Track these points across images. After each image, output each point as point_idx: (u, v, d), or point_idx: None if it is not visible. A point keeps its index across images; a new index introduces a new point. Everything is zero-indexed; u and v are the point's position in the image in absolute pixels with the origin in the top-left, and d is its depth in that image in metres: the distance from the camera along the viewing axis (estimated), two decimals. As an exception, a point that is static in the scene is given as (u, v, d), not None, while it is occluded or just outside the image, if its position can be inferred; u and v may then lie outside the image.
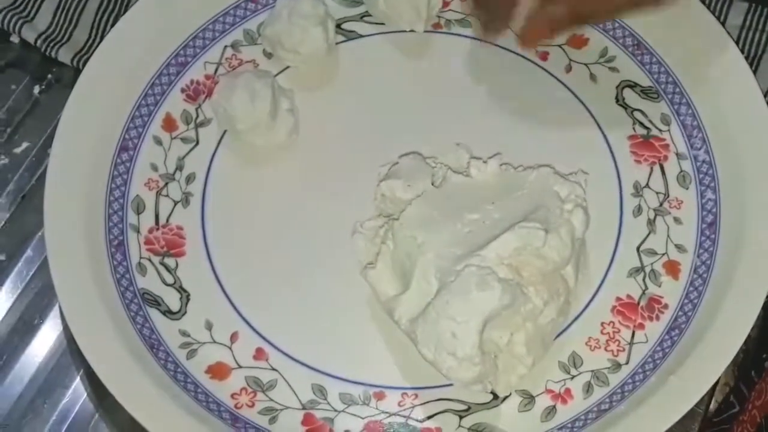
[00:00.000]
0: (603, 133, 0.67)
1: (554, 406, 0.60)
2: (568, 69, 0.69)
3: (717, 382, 0.61)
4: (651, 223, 0.65)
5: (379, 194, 0.63)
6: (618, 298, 0.63)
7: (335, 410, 0.60)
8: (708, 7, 0.69)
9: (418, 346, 0.57)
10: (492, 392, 0.60)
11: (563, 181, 0.62)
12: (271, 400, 0.60)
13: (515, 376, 0.59)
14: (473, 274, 0.56)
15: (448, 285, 0.57)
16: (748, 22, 0.71)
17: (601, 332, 0.62)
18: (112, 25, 0.69)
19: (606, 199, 0.65)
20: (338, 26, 0.70)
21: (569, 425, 0.59)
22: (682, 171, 0.66)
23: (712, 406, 0.62)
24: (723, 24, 0.69)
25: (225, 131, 0.67)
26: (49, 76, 0.71)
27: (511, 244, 0.58)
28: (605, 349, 0.61)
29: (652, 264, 0.64)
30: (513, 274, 0.57)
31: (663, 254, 0.64)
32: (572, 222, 0.60)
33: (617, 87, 0.68)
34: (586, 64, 0.69)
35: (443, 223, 0.60)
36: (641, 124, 0.68)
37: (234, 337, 0.62)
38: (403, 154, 0.65)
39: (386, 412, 0.60)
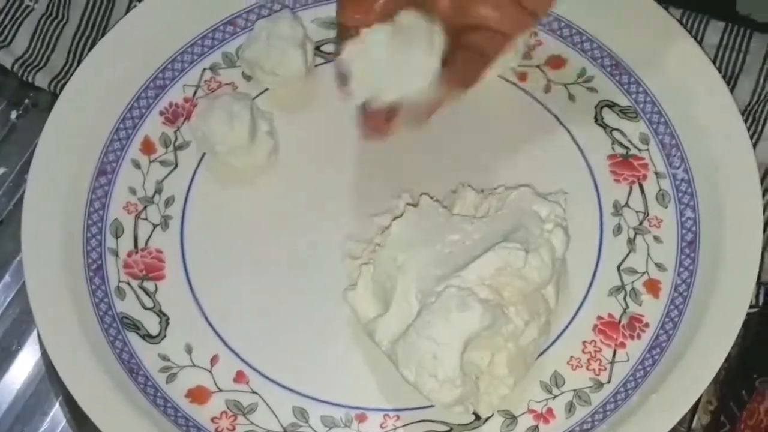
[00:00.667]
0: (582, 152, 0.67)
1: (536, 426, 0.60)
2: (547, 89, 0.69)
3: (699, 400, 0.61)
4: (631, 242, 0.65)
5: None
6: (599, 317, 0.63)
7: (317, 433, 0.60)
8: (685, 27, 0.70)
9: (399, 367, 0.57)
10: (474, 413, 0.59)
11: (543, 201, 0.62)
12: (252, 423, 0.60)
13: (497, 397, 0.58)
14: (453, 295, 0.56)
15: (428, 306, 0.57)
16: (725, 42, 0.72)
17: (583, 351, 0.62)
18: (90, 50, 0.69)
19: (586, 219, 0.65)
20: (317, 48, 0.70)
21: (552, 445, 0.59)
22: (661, 190, 0.66)
23: (696, 424, 0.62)
24: (700, 43, 0.70)
25: (204, 154, 0.67)
26: (26, 100, 0.71)
27: (492, 265, 0.57)
28: (587, 368, 0.61)
29: (632, 283, 0.64)
30: (493, 295, 0.57)
31: (643, 273, 0.64)
32: (552, 242, 0.60)
33: (596, 107, 0.69)
34: (564, 85, 0.69)
35: (423, 244, 0.60)
36: (620, 143, 0.68)
37: (214, 360, 0.61)
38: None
39: (368, 435, 0.60)
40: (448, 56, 0.57)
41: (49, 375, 0.63)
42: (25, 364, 0.63)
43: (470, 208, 0.63)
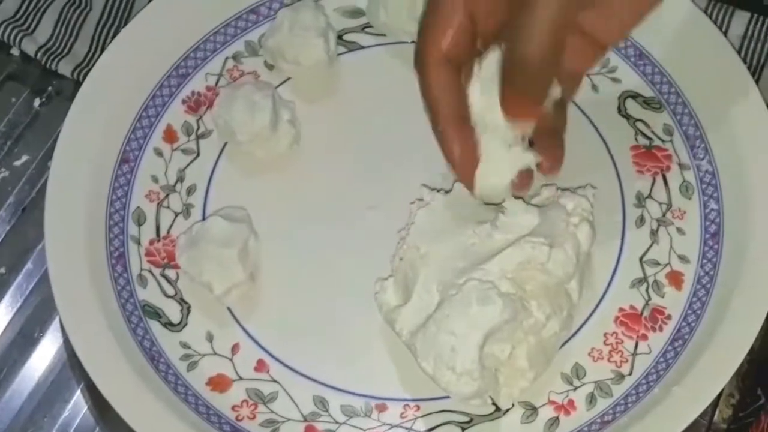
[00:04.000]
0: (605, 143, 0.67)
1: (557, 418, 0.60)
2: (570, 79, 0.69)
3: (721, 394, 0.61)
4: (654, 233, 0.65)
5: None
6: (621, 309, 0.63)
7: (337, 422, 0.60)
8: (710, 17, 0.69)
9: (417, 359, 0.57)
10: (494, 404, 0.59)
11: (570, 194, 0.61)
12: (273, 412, 0.60)
13: (517, 390, 0.58)
14: (474, 288, 0.56)
15: (449, 298, 0.56)
16: (750, 33, 0.71)
17: (604, 343, 0.62)
18: (113, 38, 0.69)
19: (608, 210, 0.65)
20: (339, 37, 0.70)
21: (572, 437, 0.59)
22: (684, 181, 0.66)
23: (717, 417, 0.62)
24: (725, 34, 0.69)
25: (226, 143, 0.67)
26: (50, 88, 0.71)
27: (515, 259, 0.57)
28: (608, 360, 0.61)
29: (655, 274, 0.63)
30: (515, 289, 0.57)
31: (666, 265, 0.64)
32: (577, 236, 0.59)
33: (619, 97, 0.68)
34: (587, 75, 0.69)
35: (447, 235, 0.60)
36: (643, 134, 0.67)
37: (235, 348, 0.61)
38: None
39: (388, 424, 0.60)
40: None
41: (70, 362, 0.63)
42: (47, 351, 0.64)
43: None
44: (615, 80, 0.69)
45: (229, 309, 0.62)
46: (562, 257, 0.58)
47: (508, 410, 0.60)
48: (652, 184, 0.66)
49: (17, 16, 0.71)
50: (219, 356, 0.61)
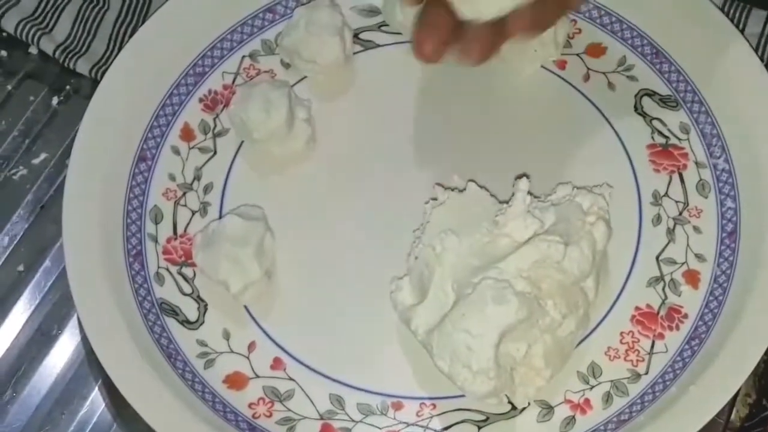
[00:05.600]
0: (621, 141, 0.67)
1: (573, 417, 0.60)
2: (586, 78, 0.69)
3: (738, 392, 0.60)
4: (670, 232, 0.64)
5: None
6: (637, 308, 0.62)
7: (353, 420, 0.60)
8: (727, 16, 0.69)
9: (433, 357, 0.57)
10: (510, 402, 0.59)
11: (586, 192, 0.61)
12: (289, 410, 0.60)
13: (533, 389, 0.58)
14: (490, 287, 0.56)
15: (464, 297, 0.56)
16: (767, 31, 0.71)
17: (621, 342, 0.61)
18: (130, 36, 0.69)
19: (625, 208, 0.65)
20: (356, 36, 0.70)
21: (588, 436, 0.59)
22: (701, 180, 0.66)
23: (734, 416, 0.62)
24: (742, 32, 0.69)
25: (242, 141, 0.67)
26: (68, 87, 0.71)
27: (530, 257, 0.57)
28: (624, 359, 0.61)
29: (671, 273, 0.63)
30: (531, 287, 0.57)
31: (683, 263, 0.64)
32: (593, 235, 0.59)
33: (636, 96, 0.68)
34: (604, 73, 0.69)
35: (462, 233, 0.60)
36: (660, 132, 0.67)
37: (251, 346, 0.62)
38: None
39: (404, 423, 0.60)
40: None
41: (88, 359, 0.63)
42: (64, 348, 0.64)
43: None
44: (631, 78, 0.69)
45: (245, 307, 0.62)
46: (578, 255, 0.58)
47: (524, 409, 0.60)
48: (669, 183, 0.66)
49: (36, 15, 0.72)
50: (236, 354, 0.61)
